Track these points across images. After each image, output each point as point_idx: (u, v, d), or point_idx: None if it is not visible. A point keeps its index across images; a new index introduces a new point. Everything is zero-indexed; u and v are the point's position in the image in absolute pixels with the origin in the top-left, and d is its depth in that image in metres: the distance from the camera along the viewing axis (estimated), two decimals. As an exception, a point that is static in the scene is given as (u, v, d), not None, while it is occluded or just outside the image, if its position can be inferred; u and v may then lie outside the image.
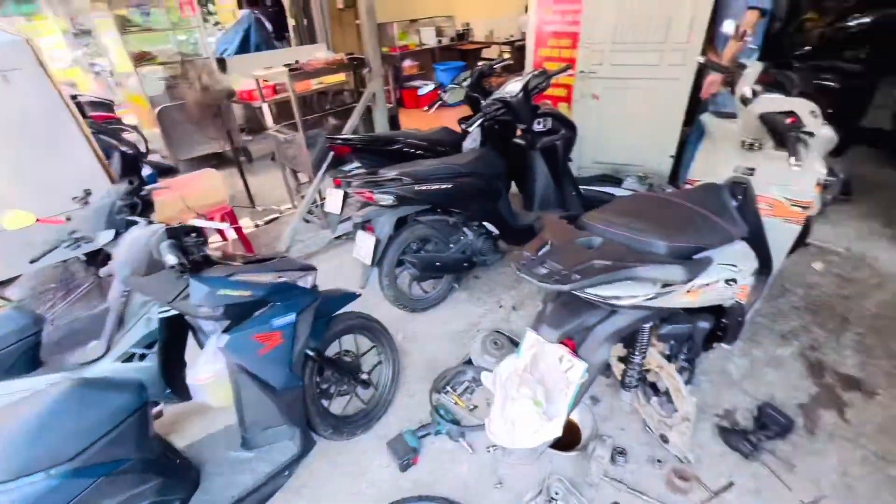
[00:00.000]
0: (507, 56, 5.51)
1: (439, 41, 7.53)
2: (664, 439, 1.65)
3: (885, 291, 2.38)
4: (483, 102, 2.71)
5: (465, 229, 2.49)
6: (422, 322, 2.46)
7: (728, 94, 1.82)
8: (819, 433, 1.71)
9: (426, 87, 3.26)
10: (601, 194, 3.26)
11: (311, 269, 1.54)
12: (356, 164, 2.55)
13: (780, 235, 1.91)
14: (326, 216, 3.06)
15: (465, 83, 3.05)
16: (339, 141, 2.55)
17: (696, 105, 3.27)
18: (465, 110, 3.23)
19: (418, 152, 2.65)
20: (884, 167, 3.83)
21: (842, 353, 2.04)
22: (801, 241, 2.29)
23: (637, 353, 1.41)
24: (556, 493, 1.55)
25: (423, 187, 2.15)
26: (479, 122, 2.49)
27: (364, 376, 1.82)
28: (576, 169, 3.65)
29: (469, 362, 2.10)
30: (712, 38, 3.04)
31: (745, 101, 1.68)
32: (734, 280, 1.33)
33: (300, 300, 1.43)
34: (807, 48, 3.42)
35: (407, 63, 7.19)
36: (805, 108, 1.55)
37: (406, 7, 7.13)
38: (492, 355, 2.03)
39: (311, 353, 1.55)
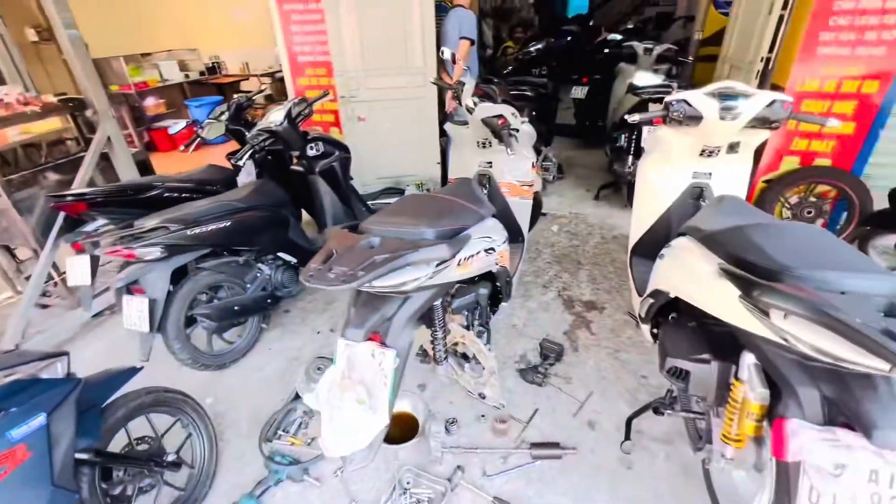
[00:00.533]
0: (265, 87, 5.36)
1: (186, 76, 6.82)
2: (482, 396, 1.93)
3: (595, 237, 3.28)
4: (248, 134, 2.62)
5: (260, 265, 2.36)
6: (233, 376, 2.22)
7: (463, 109, 2.28)
8: (580, 348, 2.26)
9: (177, 126, 2.96)
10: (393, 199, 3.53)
11: (59, 354, 1.24)
12: (101, 221, 2.13)
13: (520, 209, 2.45)
14: (73, 292, 2.47)
15: (222, 117, 2.88)
16: (68, 198, 2.08)
17: (445, 117, 3.87)
18: (234, 145, 3.06)
19: (184, 195, 2.38)
20: (577, 150, 5.25)
21: (581, 287, 2.74)
22: (538, 213, 2.98)
23: (438, 329, 1.62)
24: (408, 483, 1.64)
25: (197, 230, 1.96)
26: (247, 154, 2.41)
27: (171, 457, 1.55)
28: (361, 186, 3.85)
29: (297, 398, 2.01)
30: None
31: (469, 111, 2.11)
32: (492, 249, 1.67)
33: (48, 396, 1.14)
34: (509, 68, 4.41)
35: (150, 101, 6.27)
36: (508, 111, 2.04)
37: (132, 40, 6.21)
38: (317, 381, 1.99)
39: (84, 456, 1.25)
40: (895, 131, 2.60)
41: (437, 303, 1.54)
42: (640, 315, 1.86)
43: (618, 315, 2.48)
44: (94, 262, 2.06)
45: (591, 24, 11.22)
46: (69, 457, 1.17)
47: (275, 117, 2.54)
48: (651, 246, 2.30)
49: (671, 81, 2.75)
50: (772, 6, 2.79)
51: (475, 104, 2.09)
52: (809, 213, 2.87)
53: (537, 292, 2.71)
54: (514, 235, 2.51)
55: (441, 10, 4.62)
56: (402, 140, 3.82)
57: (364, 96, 3.65)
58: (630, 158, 3.37)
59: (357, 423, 1.21)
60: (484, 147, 2.28)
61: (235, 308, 2.16)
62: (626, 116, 1.87)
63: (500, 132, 1.99)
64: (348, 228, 1.43)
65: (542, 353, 2.20)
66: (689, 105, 1.81)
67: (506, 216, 2.41)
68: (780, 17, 2.76)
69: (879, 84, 2.50)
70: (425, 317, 1.60)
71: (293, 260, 2.47)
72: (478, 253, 1.55)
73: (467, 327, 1.89)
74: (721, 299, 1.20)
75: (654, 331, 1.76)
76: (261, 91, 3.19)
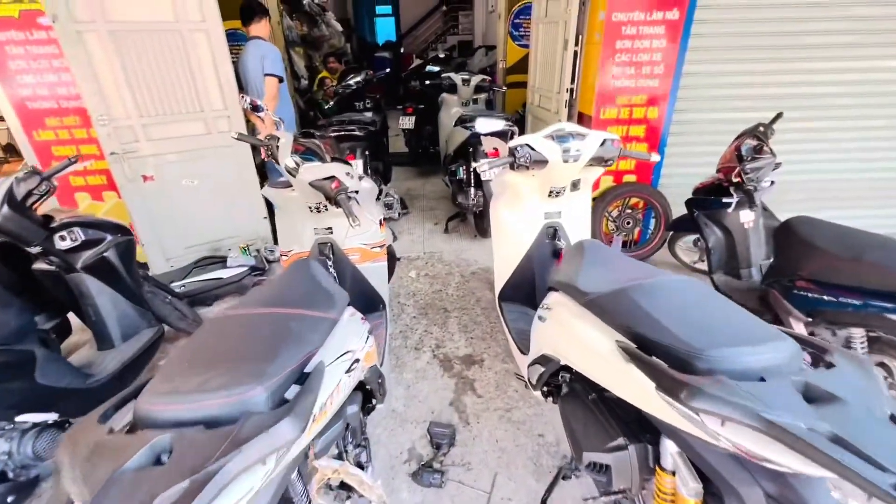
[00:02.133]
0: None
1: None
2: (374, 534, 1.50)
3: (455, 276, 3.14)
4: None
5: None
6: None
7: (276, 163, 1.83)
8: (470, 419, 2.02)
9: None
10: (208, 284, 2.80)
11: None
12: None
13: (375, 274, 2.10)
14: None
15: None
16: None
17: (264, 164, 3.28)
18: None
19: None
20: (415, 179, 5.16)
21: (454, 339, 2.52)
22: (394, 265, 2.68)
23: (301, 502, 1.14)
24: None
25: None
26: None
27: None
28: (164, 261, 3.00)
29: None
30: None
31: (292, 173, 1.67)
32: (356, 362, 1.28)
33: None
34: (330, 103, 4.04)
35: None
36: (341, 171, 1.68)
37: None
38: None
39: None
40: (675, 147, 3.08)
41: (294, 475, 1.07)
42: (529, 380, 1.69)
43: (497, 365, 2.32)
44: None
45: (401, 50, 11.64)
46: None
47: (-17, 203, 1.67)
48: (518, 290, 2.20)
49: (511, 125, 2.76)
50: (566, 43, 3.05)
51: (297, 164, 1.66)
52: (628, 223, 3.22)
53: (410, 358, 2.39)
54: (374, 305, 2.15)
55: (237, 41, 3.99)
56: (215, 195, 3.09)
57: (147, 150, 2.83)
58: (472, 190, 3.34)
59: None
60: (319, 212, 1.86)
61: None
62: (476, 167, 1.70)
63: (335, 198, 1.61)
64: (121, 402, 0.87)
65: (432, 443, 1.87)
66: (534, 150, 1.73)
67: (360, 288, 2.03)
68: (575, 53, 3.03)
69: (658, 110, 2.91)
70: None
71: (50, 418, 1.63)
72: (339, 383, 1.14)
73: (340, 456, 1.45)
74: (632, 386, 1.05)
75: (546, 388, 1.61)
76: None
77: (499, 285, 2.22)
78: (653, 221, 3.23)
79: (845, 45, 2.87)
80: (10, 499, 1.49)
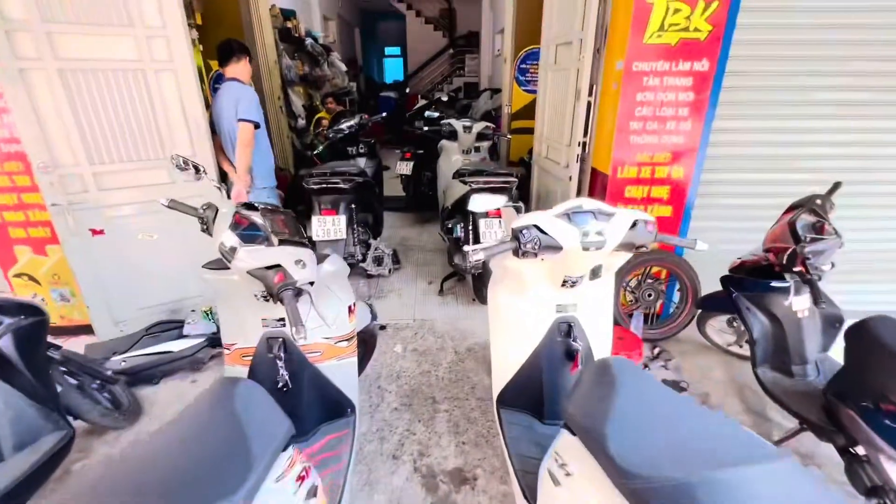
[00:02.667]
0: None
1: None
2: None
3: (448, 352, 2.68)
4: None
5: None
6: None
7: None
8: (456, 575, 1.52)
9: None
10: (154, 360, 2.37)
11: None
12: None
13: (343, 373, 1.66)
14: None
15: None
16: None
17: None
18: None
19: None
20: (411, 227, 4.80)
21: (441, 443, 2.04)
22: (372, 345, 2.25)
23: None
24: None
25: None
26: None
27: None
28: (113, 327, 2.59)
29: None
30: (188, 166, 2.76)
31: (226, 257, 1.27)
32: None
33: None
34: (319, 148, 3.73)
35: None
36: (290, 259, 1.28)
37: None
38: None
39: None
40: (703, 210, 2.69)
41: None
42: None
43: (493, 486, 1.84)
44: None
45: (407, 90, 11.64)
46: None
47: None
48: (521, 395, 1.74)
49: (516, 203, 2.39)
50: (579, 93, 2.74)
51: (234, 247, 1.27)
52: (650, 295, 2.79)
53: (385, 470, 1.91)
54: (341, 410, 1.70)
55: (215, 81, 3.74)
56: (174, 252, 2.71)
57: (98, 200, 2.47)
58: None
59: None
60: (267, 300, 1.45)
61: None
62: (467, 250, 1.29)
63: (277, 295, 1.20)
64: None
65: None
66: (545, 233, 1.33)
67: (321, 393, 1.59)
68: (589, 104, 2.70)
69: (684, 169, 2.55)
70: None
71: None
72: None
73: None
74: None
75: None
76: None
77: (497, 387, 1.77)
78: (677, 294, 2.80)
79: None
80: None
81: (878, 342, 1.55)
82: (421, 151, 4.57)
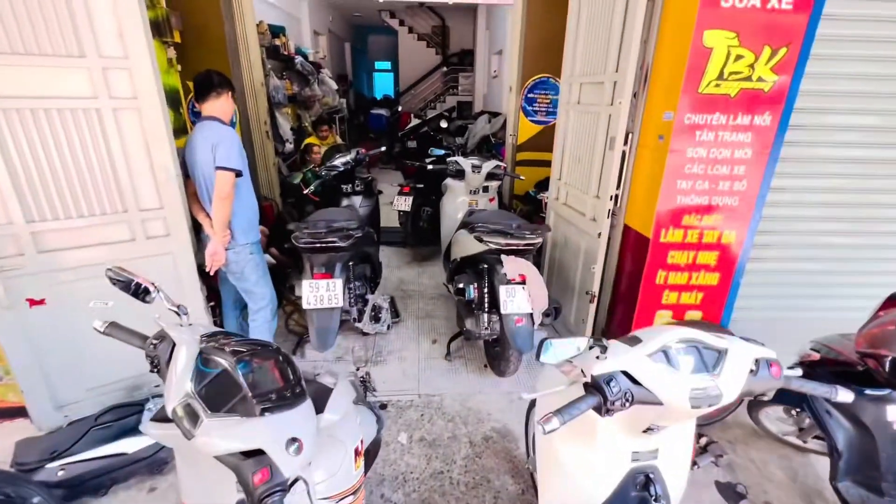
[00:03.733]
0: None
1: None
2: None
3: (462, 443, 2.26)
4: None
5: None
6: None
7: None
8: None
9: None
10: (104, 465, 1.92)
11: None
12: None
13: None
14: None
15: None
16: None
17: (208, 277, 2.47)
18: None
19: None
20: (409, 266, 4.39)
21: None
22: (377, 449, 1.83)
23: None
24: None
25: None
26: None
27: None
28: (54, 412, 2.13)
29: None
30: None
31: (184, 426, 0.86)
32: None
33: None
34: (312, 186, 3.32)
35: None
36: (279, 441, 0.85)
37: None
38: None
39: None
40: (755, 276, 2.37)
41: None
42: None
43: None
44: None
45: (399, 108, 11.31)
46: None
47: None
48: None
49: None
50: (612, 141, 2.40)
51: (192, 418, 0.85)
52: (691, 372, 2.44)
53: None
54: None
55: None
56: (131, 322, 2.23)
57: (37, 265, 2.01)
58: (486, 317, 2.55)
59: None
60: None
61: None
62: (538, 423, 0.91)
63: (259, 501, 0.79)
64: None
65: None
66: (639, 384, 0.95)
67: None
68: (623, 154, 2.37)
69: (736, 234, 2.22)
70: None
71: None
72: None
73: None
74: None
75: None
76: None
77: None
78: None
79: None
80: None
81: None
82: (420, 185, 4.18)
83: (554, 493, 1.34)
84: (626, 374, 0.97)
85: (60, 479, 1.88)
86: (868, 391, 1.63)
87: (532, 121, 4.68)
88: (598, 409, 0.96)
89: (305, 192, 3.42)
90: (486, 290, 2.50)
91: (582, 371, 1.05)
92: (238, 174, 2.20)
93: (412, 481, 2.06)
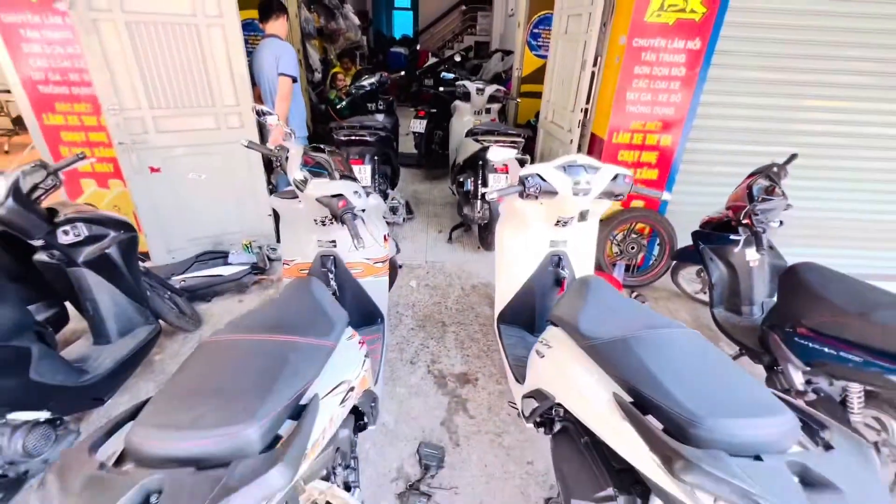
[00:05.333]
0: None
1: None
2: (357, 558, 1.50)
3: (455, 288, 3.12)
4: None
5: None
6: None
7: (282, 173, 1.82)
8: (461, 441, 2.01)
9: None
10: (208, 280, 2.79)
11: None
12: None
13: (376, 289, 2.09)
14: None
15: None
16: None
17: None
18: None
19: None
20: (423, 182, 5.14)
21: (450, 355, 2.51)
22: (395, 275, 2.67)
23: None
24: None
25: None
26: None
27: None
28: (166, 253, 3.00)
29: None
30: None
31: (299, 187, 1.66)
32: (350, 391, 1.28)
33: None
34: (343, 103, 4.01)
35: None
36: (349, 189, 1.67)
37: None
38: None
39: None
40: (685, 176, 3.06)
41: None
42: (522, 412, 1.68)
43: (491, 385, 2.32)
44: None
45: (417, 47, 11.57)
46: None
47: (-14, 196, 1.66)
48: (518, 314, 2.19)
49: (524, 156, 2.75)
50: (584, 63, 3.03)
51: (306, 179, 1.65)
52: (633, 248, 3.20)
53: (405, 372, 2.39)
54: (373, 318, 2.14)
55: (251, 32, 3.96)
56: (220, 190, 3.09)
57: (155, 142, 2.81)
58: (479, 203, 3.32)
59: None
60: (324, 225, 1.85)
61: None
62: (485, 193, 1.68)
63: (341, 217, 1.60)
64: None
65: (421, 463, 1.87)
66: (544, 181, 1.71)
67: (360, 302, 2.02)
68: (593, 74, 3.00)
69: (672, 137, 2.89)
70: None
71: (42, 416, 1.63)
72: (331, 418, 1.14)
73: (327, 477, 1.44)
74: (625, 442, 1.05)
75: (538, 420, 1.60)
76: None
77: (499, 307, 2.20)
78: (657, 248, 3.21)
79: (865, 87, 2.84)
80: (-3, 496, 1.49)
81: (800, 282, 1.97)
82: (434, 110, 4.83)
83: (503, 274, 2.15)
84: (539, 175, 1.73)
85: (182, 286, 2.78)
86: (731, 236, 2.38)
87: (536, 55, 5.19)
88: (521, 194, 1.73)
89: (336, 107, 4.11)
90: (479, 181, 3.25)
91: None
92: (294, 80, 2.92)
93: (418, 306, 2.93)
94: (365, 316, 2.11)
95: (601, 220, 3.10)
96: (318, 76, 6.04)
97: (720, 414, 0.92)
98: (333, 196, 1.63)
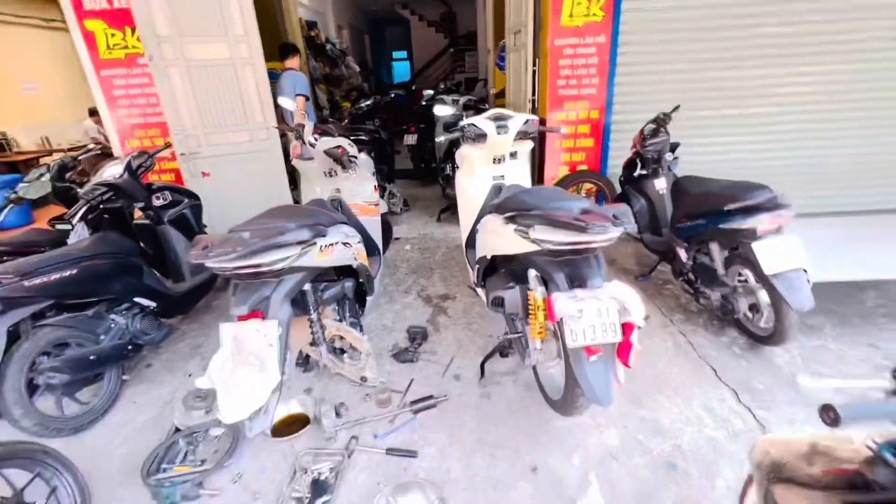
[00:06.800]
0: (93, 147, 4.96)
1: (-39, 156, 5.78)
2: (363, 379, 2.20)
3: (442, 249, 3.88)
4: (80, 190, 2.56)
5: (114, 316, 2.27)
6: (96, 436, 2.06)
7: (308, 147, 2.65)
8: (441, 329, 2.71)
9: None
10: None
11: None
12: None
13: (372, 225, 2.87)
14: None
15: (42, 178, 2.73)
16: None
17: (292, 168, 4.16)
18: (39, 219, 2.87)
19: (4, 259, 2.19)
20: (417, 188, 6.01)
21: (435, 286, 3.24)
22: (389, 236, 3.45)
23: (313, 313, 1.88)
24: (307, 463, 1.79)
25: (37, 281, 1.88)
26: (82, 210, 2.38)
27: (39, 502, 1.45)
28: (214, 239, 3.84)
29: (177, 431, 1.97)
30: (282, 115, 4.03)
31: (312, 145, 2.50)
32: (348, 243, 2.04)
33: None
34: (346, 121, 4.98)
35: None
36: (345, 142, 2.50)
37: None
38: (198, 408, 2.01)
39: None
40: (618, 142, 3.83)
41: (309, 288, 1.82)
42: (475, 282, 2.40)
43: (466, 300, 3.02)
44: None
45: (413, 87, 12.90)
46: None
47: (113, 171, 2.54)
48: (475, 237, 2.94)
49: (464, 112, 3.60)
50: (527, 65, 3.91)
51: (316, 139, 2.50)
52: (583, 204, 3.93)
53: (400, 296, 3.11)
54: (371, 249, 2.91)
55: (273, 77, 5.02)
56: (251, 190, 3.96)
57: (206, 152, 3.74)
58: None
59: (252, 385, 1.40)
60: (331, 176, 2.68)
61: (91, 358, 2.05)
62: (436, 138, 2.49)
63: (341, 159, 2.42)
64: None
65: (410, 338, 2.57)
66: (476, 126, 2.51)
67: (360, 232, 2.81)
68: (534, 72, 3.87)
69: (599, 112, 3.69)
70: (301, 305, 1.85)
71: (152, 305, 2.42)
72: (336, 243, 1.90)
73: (340, 320, 2.18)
74: (508, 240, 1.78)
75: (483, 284, 2.31)
76: (89, 150, 3.07)
77: (464, 236, 2.94)
78: (605, 203, 3.93)
79: (738, 59, 3.63)
80: (128, 349, 2.25)
81: (680, 188, 2.68)
82: (423, 126, 5.76)
83: (463, 208, 2.90)
84: (473, 124, 2.53)
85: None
86: (638, 172, 3.10)
87: (503, 72, 6.15)
88: (462, 139, 2.53)
89: (343, 123, 5.08)
90: (456, 166, 4.08)
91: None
92: (307, 98, 3.86)
93: (412, 261, 3.69)
94: (365, 247, 2.88)
95: (555, 185, 3.87)
96: (325, 113, 7.14)
97: (545, 203, 1.66)
98: (336, 147, 2.46)
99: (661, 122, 3.00)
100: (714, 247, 2.42)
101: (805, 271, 2.04)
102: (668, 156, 2.99)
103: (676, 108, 3.09)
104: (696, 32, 3.56)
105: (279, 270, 1.54)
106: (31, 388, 1.93)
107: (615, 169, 3.88)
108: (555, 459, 1.80)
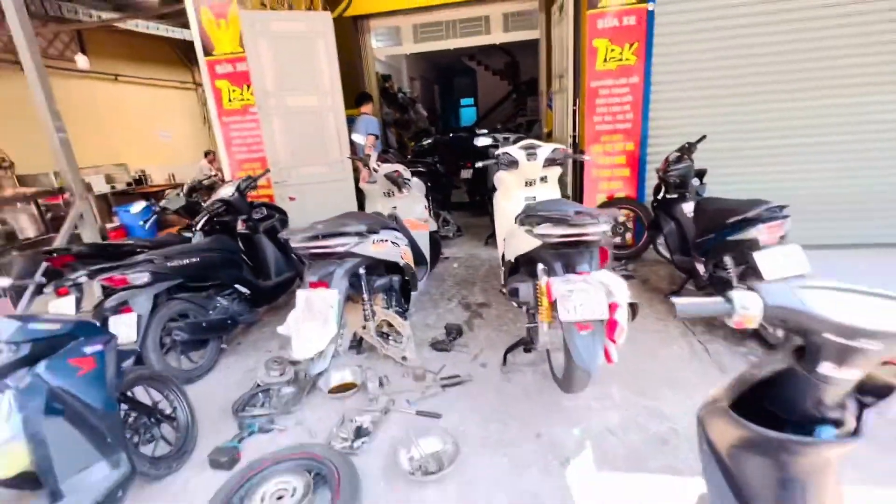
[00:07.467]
0: (215, 174, 6.08)
1: (112, 187, 7.33)
2: (404, 359, 2.63)
3: (485, 266, 4.30)
4: (204, 204, 3.36)
5: (220, 297, 2.95)
6: (200, 387, 2.66)
7: (372, 172, 3.28)
8: (475, 329, 3.08)
9: (136, 206, 3.60)
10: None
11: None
12: (83, 271, 2.64)
13: (421, 238, 3.38)
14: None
15: (179, 195, 3.60)
16: (56, 252, 2.61)
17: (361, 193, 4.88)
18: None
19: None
20: (471, 217, 6.52)
21: (475, 296, 3.63)
22: (438, 253, 3.94)
23: (365, 293, 2.37)
24: (353, 415, 2.23)
25: (175, 262, 2.59)
26: (204, 218, 3.14)
27: (168, 411, 2.02)
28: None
29: (258, 387, 2.52)
30: (355, 150, 4.80)
31: (375, 171, 3.10)
32: (396, 243, 2.54)
33: (102, 336, 1.70)
34: (408, 157, 5.69)
35: (76, 210, 6.58)
36: (402, 168, 3.07)
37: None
38: (275, 370, 2.55)
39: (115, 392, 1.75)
40: (653, 173, 4.07)
41: (363, 272, 2.32)
42: (502, 284, 2.78)
43: (501, 308, 3.38)
44: (78, 302, 2.55)
45: (475, 130, 13.79)
46: (113, 379, 1.69)
47: (226, 190, 3.33)
48: (512, 251, 3.33)
49: (496, 142, 4.10)
50: (568, 104, 4.36)
51: (379, 165, 3.10)
52: (622, 230, 4.17)
53: (443, 303, 3.55)
54: (419, 258, 3.41)
55: (350, 121, 5.93)
56: (327, 211, 4.69)
57: (293, 181, 4.57)
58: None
59: (317, 334, 1.89)
60: (389, 196, 3.26)
61: (203, 325, 2.70)
62: (476, 164, 2.98)
63: (397, 181, 2.99)
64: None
65: (447, 332, 2.98)
66: (510, 155, 2.98)
67: (410, 242, 3.33)
68: (574, 111, 4.30)
69: (634, 144, 4.00)
70: (357, 287, 2.36)
71: (247, 292, 3.08)
72: (386, 241, 2.41)
73: (387, 308, 2.66)
74: (522, 240, 2.18)
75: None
76: (211, 177, 3.97)
77: (500, 250, 3.35)
78: (642, 227, 4.14)
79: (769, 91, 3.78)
80: (228, 323, 2.89)
81: (700, 209, 2.91)
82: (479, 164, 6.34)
83: (500, 226, 3.32)
84: (507, 153, 2.99)
85: (305, 268, 4.29)
86: (663, 196, 3.34)
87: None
88: (498, 165, 3.00)
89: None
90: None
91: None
92: (377, 137, 4.60)
93: (457, 276, 4.13)
94: (415, 256, 3.39)
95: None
96: (392, 151, 8.03)
97: (552, 209, 2.05)
98: (393, 171, 3.04)
99: (686, 150, 3.26)
100: (728, 259, 2.60)
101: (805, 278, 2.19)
102: (695, 181, 3.22)
103: (702, 138, 3.33)
104: (726, 70, 3.81)
105: (342, 253, 2.07)
106: (162, 347, 2.60)
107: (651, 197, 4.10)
108: (558, 430, 2.07)
